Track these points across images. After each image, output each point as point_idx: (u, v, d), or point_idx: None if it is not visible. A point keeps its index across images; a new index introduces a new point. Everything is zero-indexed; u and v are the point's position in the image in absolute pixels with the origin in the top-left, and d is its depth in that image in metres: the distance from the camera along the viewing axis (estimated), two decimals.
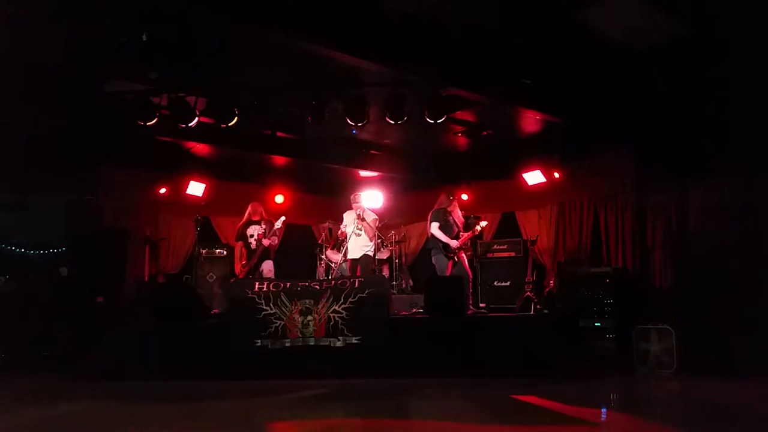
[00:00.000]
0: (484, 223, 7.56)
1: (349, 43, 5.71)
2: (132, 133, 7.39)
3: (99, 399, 5.19)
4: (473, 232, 7.31)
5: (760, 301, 6.13)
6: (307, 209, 10.46)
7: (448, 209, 7.34)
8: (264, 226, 7.49)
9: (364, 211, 7.59)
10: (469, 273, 7.29)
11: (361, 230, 7.54)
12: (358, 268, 7.56)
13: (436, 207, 7.40)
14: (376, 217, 7.86)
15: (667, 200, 7.44)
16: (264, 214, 7.69)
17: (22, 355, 7.29)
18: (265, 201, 9.71)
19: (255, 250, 7.44)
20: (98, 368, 6.12)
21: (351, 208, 7.66)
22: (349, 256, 7.64)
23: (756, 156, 6.48)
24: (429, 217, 7.35)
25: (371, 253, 7.68)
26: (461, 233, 7.27)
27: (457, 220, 7.36)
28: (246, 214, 7.69)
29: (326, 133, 8.00)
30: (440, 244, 7.16)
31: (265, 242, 7.43)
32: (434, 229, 7.21)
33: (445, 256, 7.14)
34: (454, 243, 7.14)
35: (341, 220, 7.88)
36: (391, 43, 5.90)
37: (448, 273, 7.11)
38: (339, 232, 7.97)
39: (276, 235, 7.60)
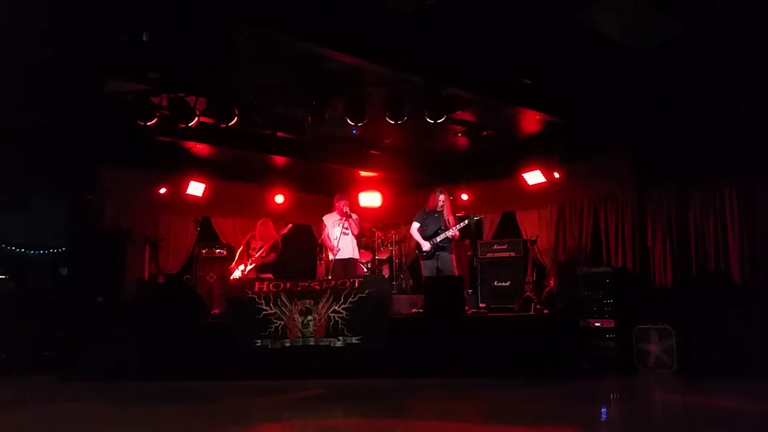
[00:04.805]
0: (460, 225, 7.16)
1: (350, 43, 5.71)
2: (132, 133, 7.40)
3: (99, 399, 5.19)
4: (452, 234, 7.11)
5: (760, 301, 6.13)
6: (307, 209, 10.44)
7: (432, 209, 7.26)
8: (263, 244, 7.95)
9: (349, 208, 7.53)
10: (454, 273, 7.14)
11: (348, 230, 7.45)
12: (341, 271, 7.29)
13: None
14: (357, 216, 7.69)
15: (667, 200, 7.45)
16: (272, 232, 8.08)
17: (22, 355, 7.29)
18: (265, 201, 9.76)
19: (255, 262, 7.92)
20: (98, 368, 6.11)
21: (329, 212, 7.67)
22: (339, 256, 7.39)
23: (756, 156, 6.48)
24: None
25: (357, 256, 7.65)
26: (440, 233, 7.12)
27: (448, 220, 7.13)
28: (257, 231, 8.14)
29: (326, 133, 8.00)
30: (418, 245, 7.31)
31: (270, 256, 7.92)
32: (411, 229, 7.43)
33: (420, 255, 7.31)
34: (424, 245, 7.18)
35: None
36: (391, 42, 5.90)
37: (422, 272, 7.28)
38: (321, 238, 7.82)
39: (276, 252, 8.00)
